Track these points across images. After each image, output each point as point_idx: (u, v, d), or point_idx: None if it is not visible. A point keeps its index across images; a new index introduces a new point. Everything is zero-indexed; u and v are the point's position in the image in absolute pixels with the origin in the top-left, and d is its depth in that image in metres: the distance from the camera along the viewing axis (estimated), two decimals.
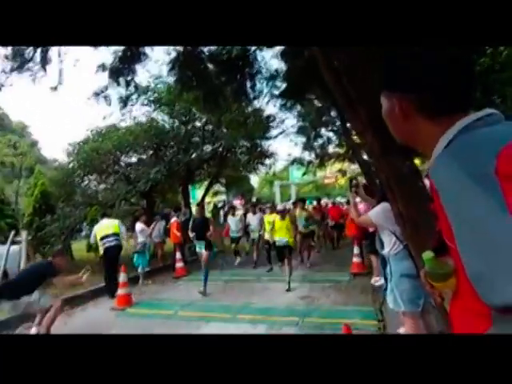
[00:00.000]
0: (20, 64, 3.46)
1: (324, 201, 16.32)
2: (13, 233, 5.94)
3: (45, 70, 3.40)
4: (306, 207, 8.80)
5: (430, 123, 0.69)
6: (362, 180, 5.66)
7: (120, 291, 5.29)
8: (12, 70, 3.50)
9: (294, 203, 9.68)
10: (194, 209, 9.84)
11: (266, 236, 7.09)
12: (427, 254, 0.95)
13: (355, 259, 6.55)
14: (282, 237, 5.95)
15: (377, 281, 5.15)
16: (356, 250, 6.56)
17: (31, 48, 3.22)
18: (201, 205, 7.75)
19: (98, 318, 4.84)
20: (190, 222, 6.42)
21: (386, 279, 2.86)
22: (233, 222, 8.76)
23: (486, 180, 0.52)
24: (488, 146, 0.56)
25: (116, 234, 6.20)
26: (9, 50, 3.32)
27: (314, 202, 11.29)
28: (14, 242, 5.77)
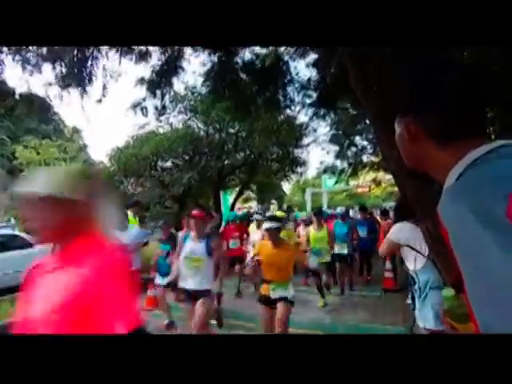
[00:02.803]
0: (73, 79, 3.82)
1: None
2: None
3: (90, 83, 3.73)
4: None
5: (438, 148, 0.64)
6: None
7: (149, 292, 5.51)
8: (67, 86, 3.87)
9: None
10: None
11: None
12: (447, 292, 0.87)
13: (387, 274, 6.25)
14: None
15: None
16: (388, 264, 6.26)
17: (80, 65, 3.56)
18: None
19: None
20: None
21: (413, 298, 2.69)
22: None
23: (496, 224, 0.46)
24: (499, 183, 0.49)
25: None
26: (63, 67, 3.69)
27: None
28: None
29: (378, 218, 8.35)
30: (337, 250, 5.87)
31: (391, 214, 6.98)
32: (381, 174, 11.82)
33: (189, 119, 10.67)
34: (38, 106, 3.82)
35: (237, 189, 13.08)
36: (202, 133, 10.59)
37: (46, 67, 3.62)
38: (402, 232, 2.51)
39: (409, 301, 4.78)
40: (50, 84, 3.74)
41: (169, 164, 10.89)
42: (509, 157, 0.55)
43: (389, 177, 11.36)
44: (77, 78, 3.75)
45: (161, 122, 10.24)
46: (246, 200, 16.46)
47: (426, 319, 2.45)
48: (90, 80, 3.73)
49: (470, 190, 0.54)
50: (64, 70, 3.68)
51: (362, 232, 6.48)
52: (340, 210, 7.27)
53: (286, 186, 25.02)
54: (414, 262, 2.50)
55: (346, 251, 5.96)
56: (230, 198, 14.27)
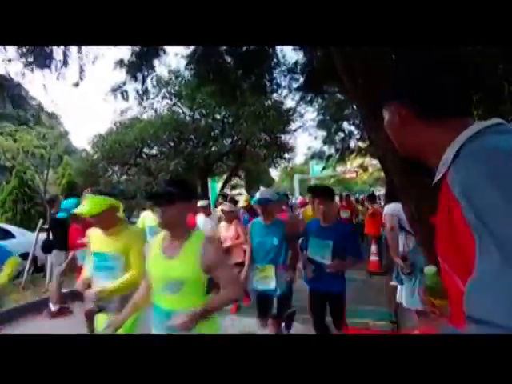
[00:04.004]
0: (43, 61, 3.59)
1: None
2: (41, 221, 6.22)
3: (66, 66, 3.53)
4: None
5: (430, 128, 0.67)
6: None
7: None
8: (37, 67, 3.65)
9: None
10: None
11: None
12: (430, 269, 0.91)
13: (372, 258, 6.39)
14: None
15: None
16: (374, 248, 6.40)
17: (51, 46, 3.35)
18: None
19: None
20: None
21: (401, 281, 2.89)
22: None
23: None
24: (503, 151, 0.52)
25: None
26: (36, 48, 3.46)
27: None
28: (42, 230, 6.05)
29: (362, 205, 7.97)
30: (257, 281, 2.72)
31: (380, 201, 6.82)
32: (368, 160, 11.97)
33: (174, 104, 10.40)
34: (6, 89, 3.59)
35: (224, 176, 12.98)
36: (187, 118, 10.36)
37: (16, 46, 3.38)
38: (394, 207, 2.94)
39: (393, 282, 4.94)
40: (10, 61, 3.48)
41: (154, 151, 10.67)
42: (504, 132, 0.59)
43: (375, 162, 11.51)
44: (51, 59, 3.54)
45: (145, 107, 9.96)
46: (234, 187, 16.41)
47: (413, 300, 2.74)
48: (66, 62, 3.53)
49: (484, 156, 0.55)
50: (37, 51, 3.45)
51: (319, 250, 2.57)
52: (262, 193, 2.85)
53: (275, 173, 25.11)
54: (405, 243, 2.71)
55: (272, 286, 2.68)
56: (218, 185, 14.17)
